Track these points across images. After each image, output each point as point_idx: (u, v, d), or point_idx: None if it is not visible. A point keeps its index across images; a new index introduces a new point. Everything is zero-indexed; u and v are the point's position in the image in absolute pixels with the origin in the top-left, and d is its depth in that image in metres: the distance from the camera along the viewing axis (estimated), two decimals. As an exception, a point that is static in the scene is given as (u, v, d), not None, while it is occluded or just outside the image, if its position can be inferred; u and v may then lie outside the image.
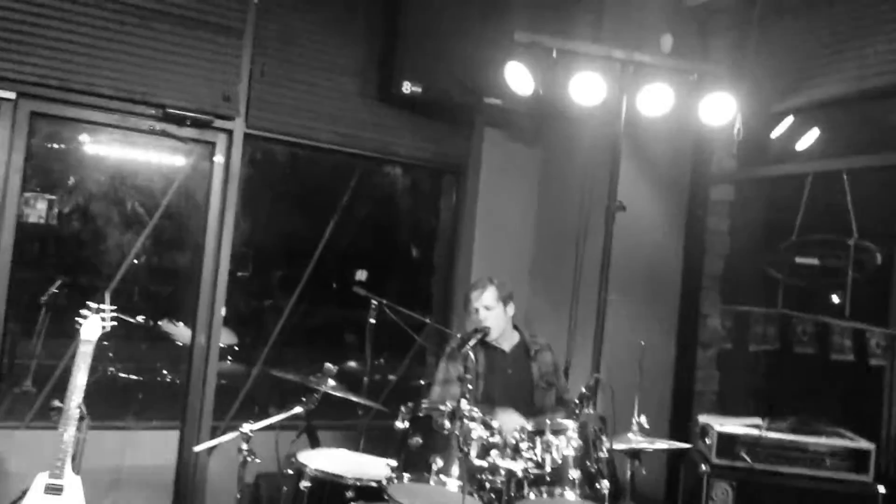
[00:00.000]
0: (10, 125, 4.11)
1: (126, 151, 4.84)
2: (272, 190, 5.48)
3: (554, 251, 5.24)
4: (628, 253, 4.70)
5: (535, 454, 2.89)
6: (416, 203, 6.08)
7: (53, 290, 4.97)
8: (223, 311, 4.69)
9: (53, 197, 4.74)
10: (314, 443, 3.68)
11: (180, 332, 5.75)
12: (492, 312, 3.77)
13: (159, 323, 6.10)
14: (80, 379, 3.41)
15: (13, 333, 4.47)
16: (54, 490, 3.28)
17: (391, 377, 5.99)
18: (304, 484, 3.29)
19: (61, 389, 3.60)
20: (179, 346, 5.57)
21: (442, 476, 2.83)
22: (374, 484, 3.26)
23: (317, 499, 3.29)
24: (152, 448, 4.70)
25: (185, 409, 4.62)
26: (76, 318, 3.53)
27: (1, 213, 4.11)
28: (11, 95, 4.09)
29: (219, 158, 4.65)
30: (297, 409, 3.41)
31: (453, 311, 5.32)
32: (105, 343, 5.96)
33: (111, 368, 6.09)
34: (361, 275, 5.22)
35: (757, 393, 5.54)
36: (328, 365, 3.47)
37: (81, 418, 3.39)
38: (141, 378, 6.22)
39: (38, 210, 4.67)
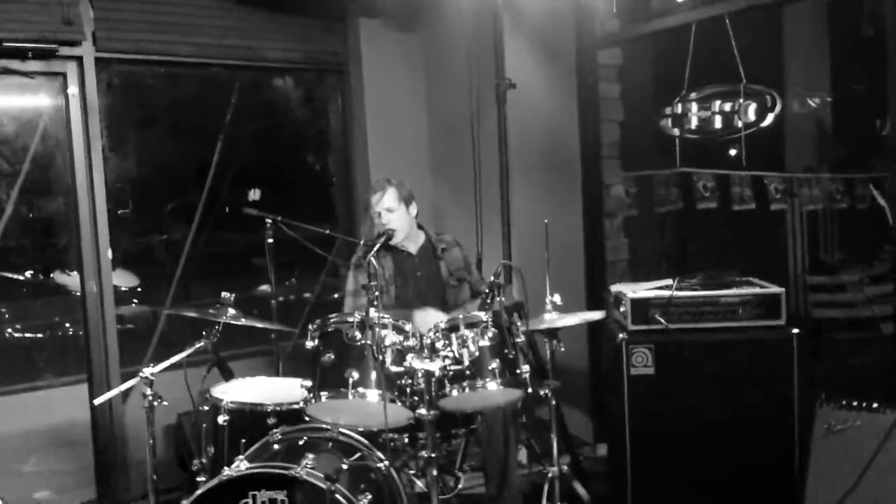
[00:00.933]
0: None
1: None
2: (141, 117, 5.07)
3: (450, 141, 5.09)
4: (524, 131, 4.61)
5: (453, 350, 2.82)
6: (304, 111, 5.77)
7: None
8: (110, 254, 4.39)
9: None
10: (227, 375, 3.52)
11: (73, 281, 5.42)
12: (394, 214, 3.63)
13: (51, 275, 5.74)
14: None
15: None
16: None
17: (307, 295, 5.84)
18: (223, 418, 3.15)
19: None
20: (77, 297, 5.26)
21: (360, 388, 2.74)
22: (295, 406, 3.15)
23: (237, 431, 3.17)
24: (65, 405, 4.49)
25: (90, 361, 4.38)
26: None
27: None
28: None
29: (72, 90, 4.24)
30: (199, 344, 3.23)
31: (357, 220, 5.15)
32: (-2, 305, 5.63)
33: (9, 330, 5.75)
34: (254, 194, 4.97)
35: (666, 254, 5.66)
36: (225, 294, 3.28)
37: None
38: (41, 335, 5.91)
39: None
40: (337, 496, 2.33)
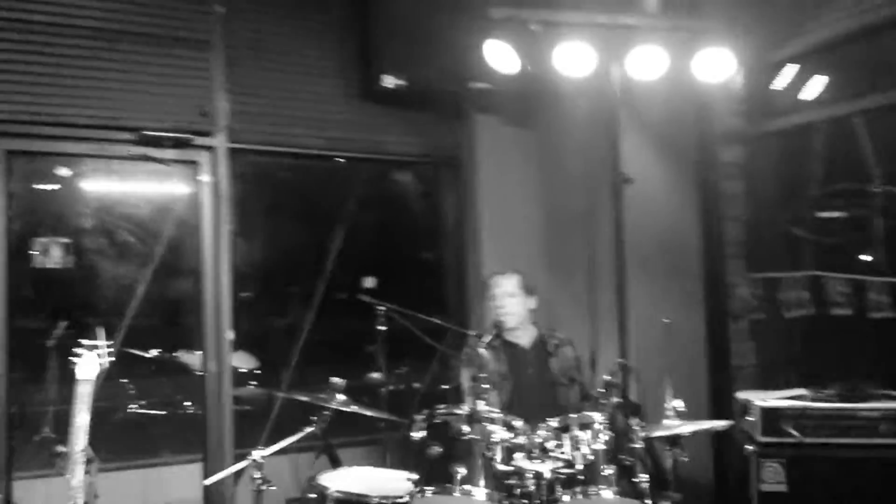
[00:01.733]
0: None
1: (111, 181, 4.69)
2: (267, 204, 5.31)
3: (564, 236, 5.03)
4: (641, 227, 4.48)
5: (564, 452, 2.68)
6: (421, 203, 5.89)
7: (59, 332, 4.84)
8: (231, 335, 4.52)
9: (67, 240, 4.59)
10: (335, 463, 3.50)
11: (196, 360, 5.61)
12: (514, 300, 3.64)
13: (175, 354, 5.97)
14: (81, 420, 3.24)
15: (24, 381, 4.32)
16: (66, 540, 3.11)
17: (416, 385, 5.80)
18: (327, 507, 3.10)
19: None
20: (199, 376, 5.43)
21: (467, 486, 2.63)
22: (400, 501, 3.07)
23: (342, 521, 3.11)
24: (180, 484, 4.55)
25: (206, 440, 4.46)
26: (70, 360, 3.36)
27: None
28: (-16, 136, 3.97)
29: (204, 178, 4.49)
30: (309, 430, 3.23)
31: (469, 311, 5.12)
32: (125, 381, 5.88)
33: (132, 406, 5.98)
34: (369, 282, 5.04)
35: (797, 361, 5.28)
36: (334, 379, 3.29)
37: (89, 461, 3.22)
38: (164, 412, 6.10)
39: (41, 256, 4.52)
40: None
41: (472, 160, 5.12)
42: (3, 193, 4.03)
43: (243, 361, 5.47)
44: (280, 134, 4.61)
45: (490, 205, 5.09)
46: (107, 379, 4.05)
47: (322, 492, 3.16)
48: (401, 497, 3.05)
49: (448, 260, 5.44)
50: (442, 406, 2.87)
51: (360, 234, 5.45)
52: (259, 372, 5.99)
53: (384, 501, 3.07)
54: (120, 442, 4.84)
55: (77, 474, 3.19)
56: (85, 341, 3.40)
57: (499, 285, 3.67)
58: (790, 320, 4.98)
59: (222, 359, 4.49)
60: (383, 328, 3.97)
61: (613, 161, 4.39)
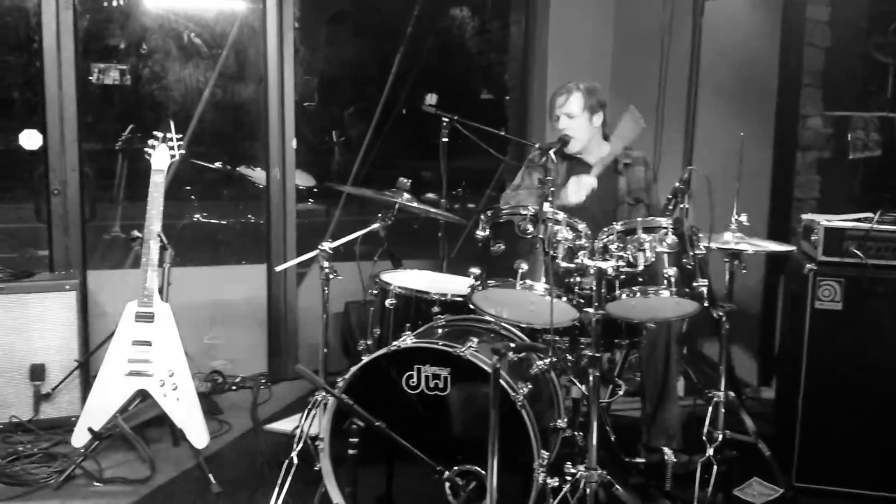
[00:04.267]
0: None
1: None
2: (332, 13, 5.21)
3: (635, 57, 4.83)
4: (719, 49, 4.31)
5: (627, 254, 2.71)
6: (484, 20, 5.71)
7: (126, 135, 4.97)
8: (294, 144, 4.57)
9: (124, 67, 4.58)
10: (396, 264, 3.62)
11: (257, 175, 5.73)
12: (574, 121, 3.48)
13: (237, 168, 6.10)
14: (155, 208, 3.38)
15: (96, 187, 4.47)
16: (145, 317, 3.34)
17: (471, 206, 5.89)
18: (390, 301, 3.24)
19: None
20: (259, 189, 5.57)
21: (528, 280, 2.70)
22: (459, 298, 3.19)
23: (402, 315, 3.26)
24: (243, 283, 4.78)
25: (269, 243, 4.63)
26: (144, 150, 3.46)
27: (58, 55, 3.99)
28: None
29: (271, -20, 4.39)
30: (375, 226, 3.32)
31: (530, 133, 5.06)
32: (188, 189, 6.07)
33: (196, 216, 6.21)
34: (431, 98, 4.98)
35: (858, 201, 5.18)
36: (402, 179, 3.33)
37: (163, 248, 3.39)
38: (225, 222, 6.33)
39: (105, 73, 4.54)
40: (501, 372, 2.33)
41: (544, -28, 4.89)
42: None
43: (301, 179, 5.57)
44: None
45: (559, 22, 4.89)
46: (172, 186, 4.19)
47: (384, 288, 3.30)
48: (461, 295, 3.18)
49: (511, 79, 5.33)
50: (507, 205, 2.90)
51: (423, 50, 5.36)
52: (316, 190, 6.11)
53: (443, 297, 3.20)
54: (185, 247, 5.08)
55: (152, 257, 3.37)
56: (158, 133, 3.49)
57: (560, 105, 3.48)
58: (855, 160, 4.85)
59: (286, 166, 4.57)
60: (446, 139, 3.94)
61: (697, -25, 4.16)
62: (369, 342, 3.36)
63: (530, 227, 2.74)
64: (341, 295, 4.23)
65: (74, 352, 3.75)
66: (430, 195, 5.45)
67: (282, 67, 4.44)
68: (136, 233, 3.41)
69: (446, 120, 3.91)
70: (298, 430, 3.22)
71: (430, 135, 4.10)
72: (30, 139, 3.99)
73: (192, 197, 6.06)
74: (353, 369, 2.79)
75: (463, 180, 6.00)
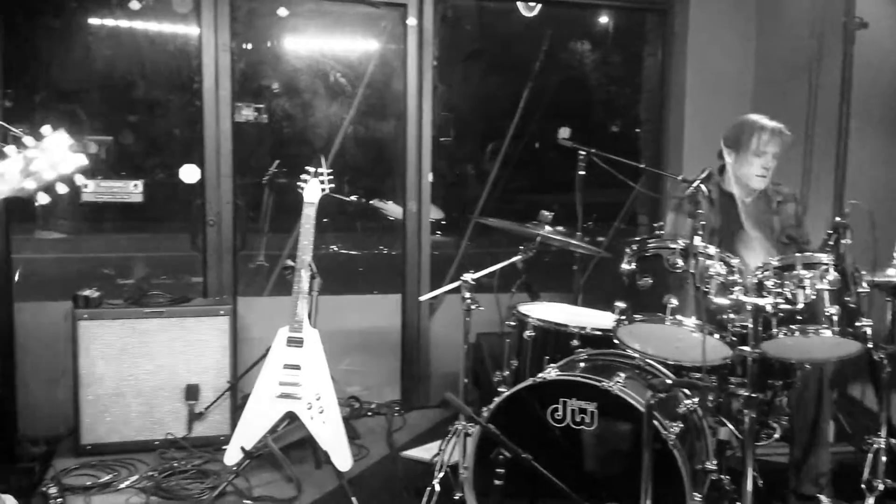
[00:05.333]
0: (213, 2, 4.20)
1: (324, 22, 4.87)
2: (469, 51, 5.34)
3: (778, 88, 4.71)
4: (871, 77, 4.12)
5: (785, 290, 2.62)
6: (619, 51, 5.70)
7: (273, 170, 5.23)
8: (430, 178, 4.69)
9: (272, 105, 4.84)
10: (533, 296, 3.63)
11: (390, 208, 5.90)
12: (774, 163, 3.29)
13: (371, 201, 6.31)
14: (306, 238, 3.54)
15: (244, 218, 4.71)
16: (296, 342, 3.49)
17: (600, 239, 5.83)
18: (528, 334, 3.25)
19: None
20: (390, 221, 5.73)
21: (678, 316, 2.65)
22: (598, 332, 3.17)
23: (540, 348, 3.26)
24: (375, 313, 4.90)
25: (405, 273, 4.74)
26: (297, 184, 3.64)
27: (216, 93, 4.27)
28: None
29: (411, 21, 4.55)
30: (517, 258, 3.35)
31: (666, 166, 4.99)
32: (325, 220, 6.32)
33: (332, 247, 6.45)
34: (565, 132, 5.01)
35: None
36: (543, 212, 3.35)
37: (313, 277, 3.54)
38: (358, 253, 6.54)
39: (249, 112, 4.82)
40: (655, 413, 2.29)
41: (683, 5, 4.84)
42: (228, 29, 4.27)
43: (431, 212, 5.69)
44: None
45: (698, 54, 4.83)
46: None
47: (522, 320, 3.31)
48: (601, 329, 3.15)
49: (646, 112, 5.28)
50: (654, 238, 2.86)
51: (550, 84, 5.41)
52: (444, 222, 6.22)
53: (583, 331, 3.18)
54: (321, 276, 5.28)
55: (304, 285, 3.52)
56: (310, 168, 3.66)
57: (767, 144, 3.23)
58: None
59: (422, 199, 4.69)
60: (582, 173, 3.95)
61: (846, 3, 4.01)
62: (505, 373, 3.37)
63: (680, 262, 2.70)
64: (473, 326, 4.27)
65: (226, 373, 3.95)
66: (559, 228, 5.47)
67: (420, 104, 4.58)
68: (289, 262, 3.58)
69: (583, 153, 3.92)
70: (439, 459, 3.26)
71: (553, 168, 4.12)
72: (189, 173, 4.27)
73: (330, 229, 6.31)
74: (498, 400, 2.81)
75: (591, 213, 5.96)
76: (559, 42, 5.38)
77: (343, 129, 5.00)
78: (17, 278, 4.15)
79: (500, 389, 3.34)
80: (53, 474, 3.60)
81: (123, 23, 4.59)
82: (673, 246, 2.73)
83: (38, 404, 4.09)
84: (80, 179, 1.91)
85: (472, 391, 4.50)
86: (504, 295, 3.61)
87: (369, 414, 4.53)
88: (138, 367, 3.84)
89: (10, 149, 1.84)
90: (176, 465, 3.69)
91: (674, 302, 2.66)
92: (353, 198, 6.28)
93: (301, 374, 3.45)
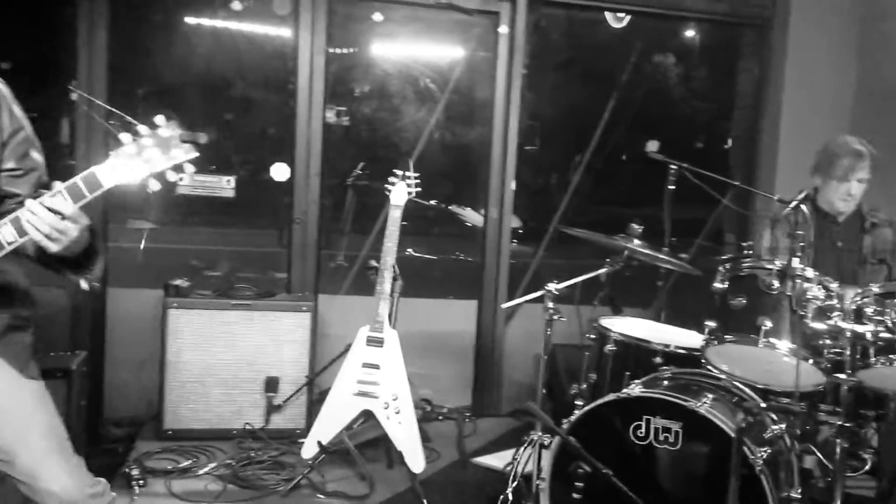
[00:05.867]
0: (311, 5, 4.28)
1: (415, 28, 4.93)
2: (558, 60, 5.33)
3: (880, 109, 4.54)
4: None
5: (886, 319, 2.52)
6: (706, 66, 5.60)
7: (357, 171, 5.32)
8: (513, 185, 4.68)
9: (344, 108, 4.93)
10: (616, 310, 3.58)
11: (468, 214, 5.92)
12: (862, 187, 3.29)
13: (450, 207, 6.35)
14: (391, 241, 3.58)
15: (327, 218, 4.80)
16: (376, 342, 3.52)
17: (683, 256, 5.72)
18: (609, 348, 3.21)
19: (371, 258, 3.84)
20: (466, 227, 5.74)
21: (772, 339, 2.58)
22: (682, 351, 3.10)
23: (621, 363, 3.21)
24: (449, 318, 4.91)
25: (482, 280, 4.74)
26: (385, 186, 3.68)
27: (309, 95, 4.36)
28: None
29: (503, 29, 4.56)
30: (603, 270, 3.31)
31: (758, 183, 4.86)
32: (404, 223, 6.39)
33: (408, 250, 6.51)
34: (653, 145, 4.94)
35: None
36: (633, 224, 3.29)
37: (395, 278, 3.57)
38: (434, 258, 6.58)
39: (337, 114, 4.90)
40: (745, 439, 2.23)
41: (783, 21, 4.72)
42: (324, 32, 4.36)
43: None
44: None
45: (796, 72, 4.71)
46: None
47: (604, 333, 3.27)
48: (685, 347, 3.09)
49: (737, 128, 5.17)
50: (748, 259, 2.80)
51: (636, 97, 5.34)
52: (521, 231, 6.20)
53: (667, 349, 3.11)
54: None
55: (386, 286, 3.56)
56: (397, 171, 3.70)
57: (859, 170, 3.25)
58: None
59: (504, 207, 4.68)
60: (672, 188, 3.87)
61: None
62: (583, 387, 3.33)
63: (776, 283, 2.63)
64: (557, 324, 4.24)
65: (304, 368, 4.02)
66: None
67: (507, 112, 4.58)
68: (373, 262, 3.62)
69: (674, 167, 3.84)
70: (512, 468, 3.24)
71: (635, 181, 4.05)
72: (280, 171, 4.37)
73: (408, 232, 6.37)
74: (578, 413, 2.78)
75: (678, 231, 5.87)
76: (646, 54, 5.31)
77: (426, 133, 5.04)
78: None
79: (576, 402, 3.30)
80: (136, 456, 3.72)
81: (224, 23, 4.74)
82: (770, 267, 2.67)
83: (123, 387, 4.24)
84: (189, 168, 1.96)
85: (545, 402, 4.48)
86: (585, 307, 3.57)
87: (440, 418, 4.53)
88: (222, 357, 3.94)
89: (125, 136, 1.89)
90: (253, 454, 3.77)
91: (768, 324, 2.59)
92: (433, 202, 6.33)
93: (379, 374, 3.49)
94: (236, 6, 4.43)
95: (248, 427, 3.96)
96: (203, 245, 5.56)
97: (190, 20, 4.83)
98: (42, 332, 2.21)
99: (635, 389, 2.74)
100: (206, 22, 4.80)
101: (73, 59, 4.06)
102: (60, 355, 3.37)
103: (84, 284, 2.12)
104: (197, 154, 1.96)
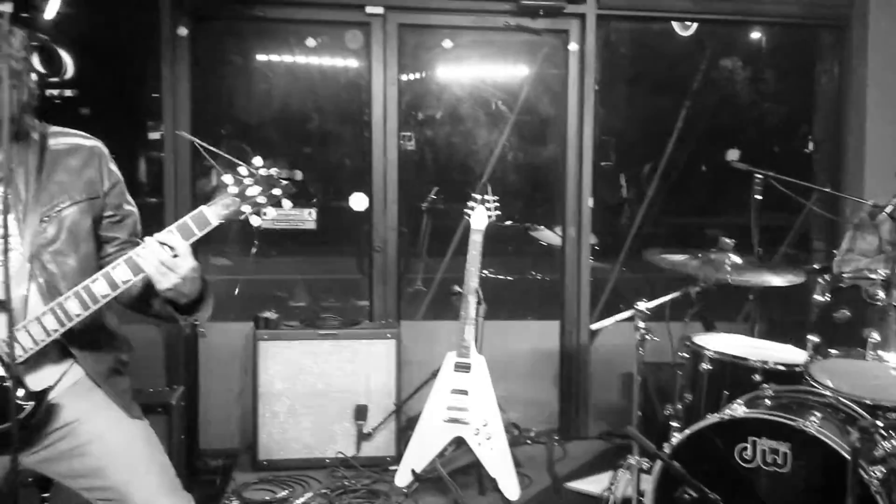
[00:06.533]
0: (382, 38, 4.38)
1: (485, 52, 4.96)
2: (630, 74, 5.28)
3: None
4: None
5: None
6: (780, 69, 5.47)
7: (432, 196, 5.34)
8: (590, 202, 4.64)
9: (411, 133, 4.97)
10: (708, 326, 3.50)
11: (544, 234, 5.89)
12: None
13: (524, 225, 6.31)
14: (473, 265, 3.59)
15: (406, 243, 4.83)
16: (463, 368, 3.52)
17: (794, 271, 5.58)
18: (704, 366, 3.13)
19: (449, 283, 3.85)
20: (542, 246, 5.70)
21: (880, 352, 2.47)
22: (782, 367, 3.00)
23: (718, 382, 3.12)
24: (530, 339, 4.86)
25: (563, 299, 4.69)
26: (464, 210, 3.70)
27: (384, 125, 4.42)
28: (380, 10, 4.34)
29: (573, 46, 4.54)
30: (694, 287, 3.24)
31: (845, 189, 4.70)
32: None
33: (484, 271, 6.49)
34: (733, 154, 4.84)
35: None
36: (724, 239, 3.22)
37: (479, 302, 3.58)
38: (510, 278, 6.53)
39: (411, 141, 4.94)
40: (860, 461, 2.14)
41: (862, 20, 4.58)
42: (396, 63, 4.42)
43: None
44: (648, -2, 4.50)
45: (879, 72, 4.55)
46: (462, 241, 4.42)
47: (698, 351, 3.19)
48: (785, 364, 2.99)
49: (819, 133, 5.02)
50: (850, 269, 2.70)
51: (708, 105, 5.25)
52: (598, 248, 6.13)
53: (766, 366, 3.02)
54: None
55: (471, 311, 3.56)
56: (476, 195, 3.71)
57: None
58: None
59: (582, 225, 4.64)
60: (759, 197, 3.78)
61: None
62: (678, 407, 3.25)
63: (881, 293, 2.53)
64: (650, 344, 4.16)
65: (392, 395, 4.04)
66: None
67: (581, 129, 4.55)
68: (456, 287, 3.64)
69: (759, 176, 3.75)
70: (611, 494, 3.18)
71: (712, 190, 3.96)
72: (358, 201, 4.43)
73: (485, 254, 6.36)
74: (680, 436, 2.71)
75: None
76: (715, 61, 5.23)
77: (496, 153, 5.05)
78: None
79: (671, 424, 3.23)
80: (234, 487, 3.79)
81: (299, 59, 4.86)
82: (874, 277, 2.56)
83: (217, 419, 4.33)
84: (286, 204, 2.02)
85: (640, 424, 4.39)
86: (676, 324, 3.50)
87: (528, 442, 4.49)
88: (312, 387, 4.00)
89: (227, 177, 1.97)
90: (347, 483, 3.80)
91: (875, 336, 2.49)
92: (509, 223, 6.32)
93: (468, 400, 3.48)
94: (310, 43, 4.53)
95: (340, 455, 4.00)
96: (282, 274, 5.66)
97: (266, 59, 4.96)
98: (137, 368, 2.31)
99: (739, 410, 2.66)
100: (282, 60, 4.92)
101: (155, 102, 4.22)
102: (159, 391, 3.48)
103: (186, 327, 2.19)
104: (296, 190, 2.01)
